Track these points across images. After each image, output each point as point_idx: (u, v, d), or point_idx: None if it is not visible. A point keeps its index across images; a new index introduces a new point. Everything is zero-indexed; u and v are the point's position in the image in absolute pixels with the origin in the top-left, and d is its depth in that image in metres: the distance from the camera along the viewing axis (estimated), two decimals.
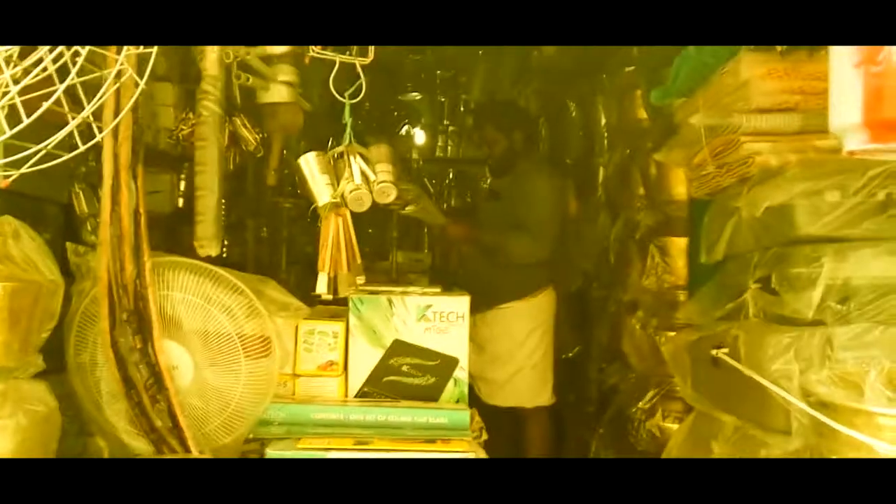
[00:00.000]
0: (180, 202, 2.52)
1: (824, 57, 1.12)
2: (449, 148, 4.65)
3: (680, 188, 2.52)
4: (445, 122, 4.63)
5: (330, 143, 1.79)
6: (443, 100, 4.56)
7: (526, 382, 3.00)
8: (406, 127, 4.65)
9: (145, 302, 1.43)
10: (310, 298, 1.83)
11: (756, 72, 1.52)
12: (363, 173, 1.69)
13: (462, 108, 4.58)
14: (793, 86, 1.52)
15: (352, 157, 1.70)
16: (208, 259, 1.55)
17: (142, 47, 1.22)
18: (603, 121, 3.23)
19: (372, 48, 1.61)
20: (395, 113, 4.60)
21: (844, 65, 1.04)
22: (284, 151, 2.84)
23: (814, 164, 1.48)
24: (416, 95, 4.47)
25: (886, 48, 0.99)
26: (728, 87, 1.60)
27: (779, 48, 1.42)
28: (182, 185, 2.62)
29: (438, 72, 4.35)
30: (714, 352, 1.61)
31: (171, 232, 2.67)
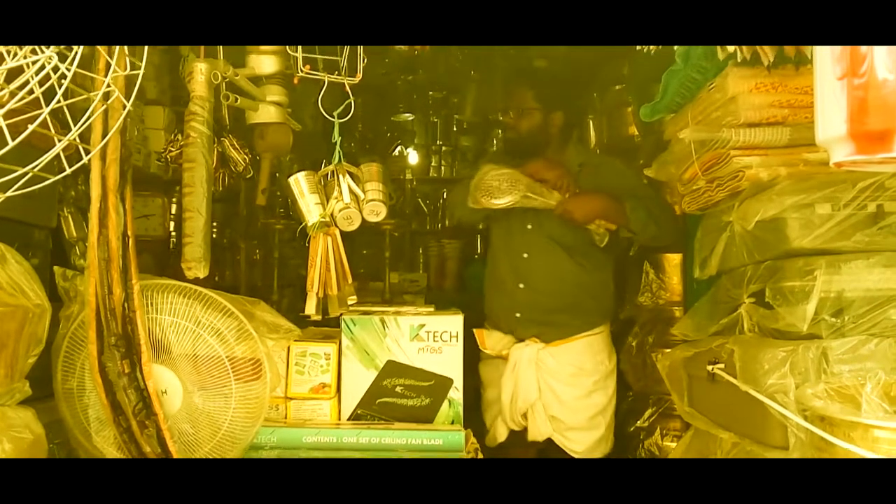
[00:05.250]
0: (171, 226, 2.52)
1: (811, 70, 1.12)
2: (443, 168, 4.65)
3: (672, 203, 2.52)
4: (438, 142, 4.64)
5: (323, 163, 1.79)
6: (435, 120, 4.57)
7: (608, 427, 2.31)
8: (399, 147, 4.65)
9: (134, 326, 1.42)
10: (302, 320, 1.82)
11: (743, 86, 1.52)
12: (352, 192, 1.69)
13: (455, 128, 4.60)
14: (780, 99, 1.53)
15: (341, 177, 1.70)
16: (199, 281, 1.54)
17: (129, 69, 1.22)
18: (594, 138, 3.25)
19: (361, 69, 1.61)
20: (388, 134, 4.61)
21: (828, 77, 1.04)
22: (277, 174, 2.84)
23: (804, 177, 1.49)
24: (409, 116, 4.48)
25: (868, 60, 1.00)
26: (716, 101, 1.60)
27: (765, 62, 1.43)
28: (173, 209, 2.62)
29: (430, 92, 4.38)
30: (710, 367, 1.60)
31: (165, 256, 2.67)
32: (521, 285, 2.25)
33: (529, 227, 2.26)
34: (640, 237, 2.23)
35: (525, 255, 2.25)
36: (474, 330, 2.31)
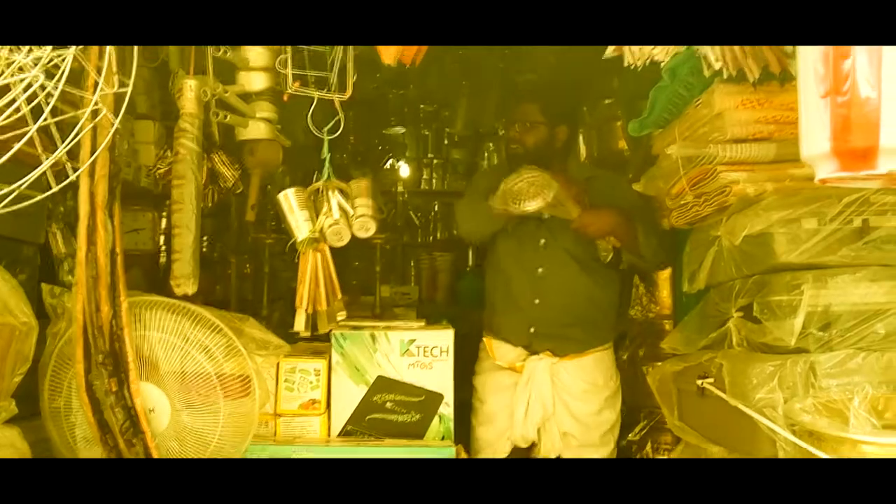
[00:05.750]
0: (161, 240, 2.51)
1: (796, 87, 1.14)
2: (434, 180, 4.66)
3: (662, 217, 2.53)
4: (430, 155, 4.65)
5: (315, 176, 1.79)
6: (426, 133, 4.58)
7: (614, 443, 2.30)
8: (390, 160, 4.66)
9: (121, 343, 1.41)
10: (292, 335, 1.81)
11: (729, 103, 1.54)
12: (342, 208, 1.69)
13: (446, 141, 4.61)
14: (766, 116, 1.54)
15: (330, 192, 1.70)
16: (188, 297, 1.53)
17: (117, 86, 1.22)
18: (584, 152, 3.26)
19: (350, 85, 1.61)
20: (380, 147, 4.62)
21: (812, 96, 1.06)
22: (269, 187, 2.84)
23: (790, 192, 1.50)
24: (400, 129, 4.49)
25: (851, 78, 1.01)
26: (703, 118, 1.62)
27: (751, 79, 1.44)
28: (164, 223, 2.61)
29: (422, 106, 4.39)
30: (699, 382, 1.60)
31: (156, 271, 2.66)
32: (537, 301, 2.21)
33: (543, 241, 2.21)
34: (649, 263, 2.24)
35: (540, 271, 2.21)
36: (484, 339, 2.27)
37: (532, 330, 2.21)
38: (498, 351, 2.23)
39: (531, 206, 1.93)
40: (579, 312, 2.21)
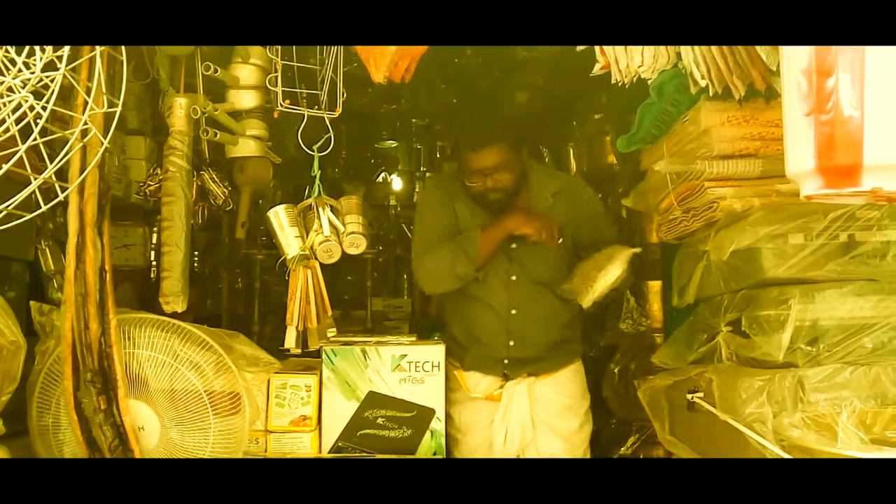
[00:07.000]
0: (152, 255, 2.51)
1: (781, 104, 1.15)
2: None
3: (651, 231, 2.55)
4: (422, 168, 4.67)
5: (306, 191, 1.79)
6: (419, 146, 4.60)
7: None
8: (383, 174, 4.68)
9: (110, 361, 1.40)
10: (282, 351, 1.80)
11: (716, 119, 1.56)
12: (332, 225, 1.70)
13: (438, 155, 4.63)
14: (752, 132, 1.56)
15: (321, 209, 1.70)
16: (178, 314, 1.53)
17: (106, 106, 1.22)
18: (574, 166, 3.28)
19: (340, 103, 1.62)
20: (372, 160, 4.64)
21: (796, 113, 1.07)
22: (260, 201, 2.84)
23: (777, 208, 1.51)
24: (393, 143, 4.51)
25: (834, 97, 1.02)
26: (690, 134, 1.63)
27: (737, 96, 1.46)
28: (154, 239, 2.60)
29: (413, 120, 4.40)
30: (689, 396, 1.60)
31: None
32: (512, 343, 2.06)
33: (514, 278, 2.03)
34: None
35: (514, 312, 2.04)
36: (455, 373, 2.09)
37: (506, 362, 2.08)
38: (470, 382, 2.08)
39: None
40: (555, 336, 2.10)
